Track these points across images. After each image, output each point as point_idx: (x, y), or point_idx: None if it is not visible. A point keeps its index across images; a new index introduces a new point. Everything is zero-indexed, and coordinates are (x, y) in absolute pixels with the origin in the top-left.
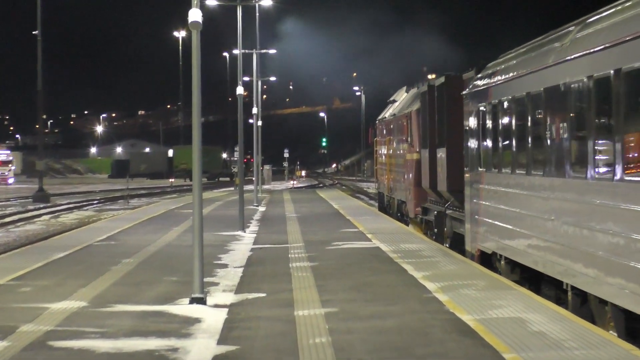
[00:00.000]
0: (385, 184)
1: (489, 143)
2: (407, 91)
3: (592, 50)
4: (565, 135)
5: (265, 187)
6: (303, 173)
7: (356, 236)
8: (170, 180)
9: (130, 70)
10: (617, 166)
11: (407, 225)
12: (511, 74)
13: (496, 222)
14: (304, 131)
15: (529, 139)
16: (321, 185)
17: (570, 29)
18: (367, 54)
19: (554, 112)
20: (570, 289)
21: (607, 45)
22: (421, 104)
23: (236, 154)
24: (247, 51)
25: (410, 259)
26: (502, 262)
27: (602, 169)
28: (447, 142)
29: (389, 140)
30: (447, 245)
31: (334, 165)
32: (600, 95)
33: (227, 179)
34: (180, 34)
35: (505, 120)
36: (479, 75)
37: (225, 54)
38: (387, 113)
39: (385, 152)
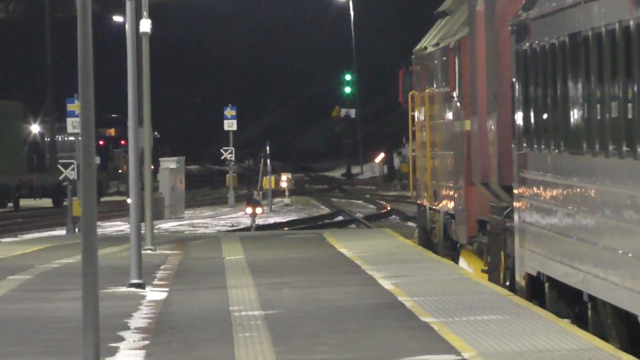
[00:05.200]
0: (426, 186)
1: (532, 106)
2: None
3: None
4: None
5: (168, 225)
6: (284, 182)
7: None
8: None
9: None
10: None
11: (457, 262)
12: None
13: (537, 227)
14: (284, 54)
15: (564, 104)
16: (340, 217)
17: None
18: None
19: (591, 68)
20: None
21: None
22: (469, 30)
23: (70, 126)
24: None
25: None
26: (546, 287)
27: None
28: (499, 103)
29: (428, 96)
30: (505, 284)
31: (381, 158)
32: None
33: (49, 202)
34: None
35: (547, 71)
36: None
37: None
38: (428, 40)
39: (424, 119)
